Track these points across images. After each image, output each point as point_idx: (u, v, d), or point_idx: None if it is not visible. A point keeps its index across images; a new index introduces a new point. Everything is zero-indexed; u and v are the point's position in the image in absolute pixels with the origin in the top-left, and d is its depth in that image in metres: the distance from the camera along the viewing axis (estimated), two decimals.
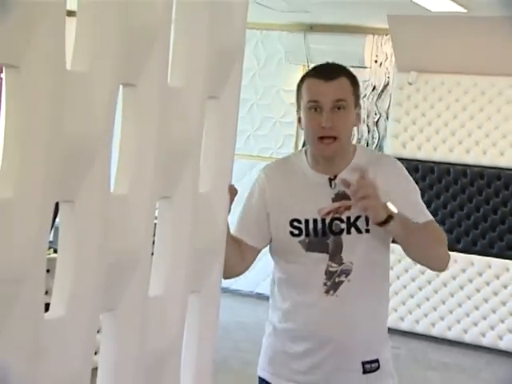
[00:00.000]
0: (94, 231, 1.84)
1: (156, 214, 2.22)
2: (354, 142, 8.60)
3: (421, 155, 7.76)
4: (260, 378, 2.78)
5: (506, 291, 7.42)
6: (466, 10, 6.86)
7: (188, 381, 2.40)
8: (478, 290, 7.55)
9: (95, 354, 1.97)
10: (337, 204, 2.49)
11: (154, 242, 2.25)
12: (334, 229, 2.52)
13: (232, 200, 2.46)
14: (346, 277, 2.53)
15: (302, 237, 2.55)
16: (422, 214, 2.57)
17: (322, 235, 2.53)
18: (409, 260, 2.57)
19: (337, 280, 2.53)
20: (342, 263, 2.52)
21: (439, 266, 2.69)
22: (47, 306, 1.85)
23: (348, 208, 2.47)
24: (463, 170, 7.60)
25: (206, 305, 2.45)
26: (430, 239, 2.55)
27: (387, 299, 2.77)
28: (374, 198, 2.32)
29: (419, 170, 7.71)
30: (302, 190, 2.58)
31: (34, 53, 1.67)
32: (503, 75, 7.39)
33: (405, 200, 2.51)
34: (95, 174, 1.81)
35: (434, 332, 7.69)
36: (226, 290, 2.57)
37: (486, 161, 7.52)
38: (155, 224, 2.21)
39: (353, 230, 2.52)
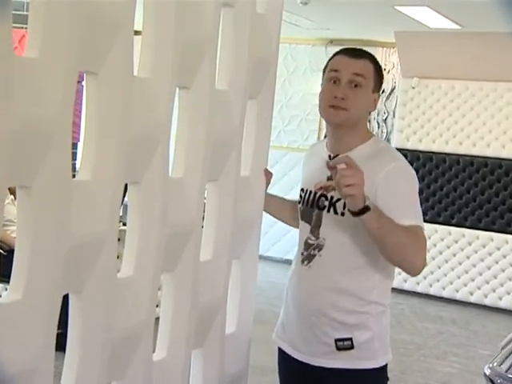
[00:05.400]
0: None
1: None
2: None
3: (421, 147, 7.69)
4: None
5: (505, 260, 7.33)
6: (459, 27, 6.79)
7: (233, 327, 2.41)
8: (482, 260, 7.45)
9: None
10: (329, 182, 2.10)
11: (203, 218, 2.24)
12: (319, 204, 2.26)
13: (268, 182, 2.45)
14: (318, 251, 2.23)
15: (300, 205, 2.36)
16: (407, 218, 2.09)
17: (310, 206, 2.30)
18: None
19: (312, 253, 2.25)
20: (319, 238, 2.23)
21: (412, 271, 2.15)
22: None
23: (335, 188, 2.07)
24: (456, 158, 7.51)
25: (245, 268, 2.45)
26: (406, 242, 2.06)
27: (372, 284, 2.22)
28: (358, 187, 1.94)
29: (420, 158, 7.67)
30: (313, 164, 2.37)
31: (110, 63, 1.68)
32: (489, 80, 7.33)
33: (392, 198, 2.11)
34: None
35: (431, 291, 7.65)
36: (260, 257, 2.53)
37: (475, 151, 7.45)
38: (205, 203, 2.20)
39: (331, 209, 2.21)
